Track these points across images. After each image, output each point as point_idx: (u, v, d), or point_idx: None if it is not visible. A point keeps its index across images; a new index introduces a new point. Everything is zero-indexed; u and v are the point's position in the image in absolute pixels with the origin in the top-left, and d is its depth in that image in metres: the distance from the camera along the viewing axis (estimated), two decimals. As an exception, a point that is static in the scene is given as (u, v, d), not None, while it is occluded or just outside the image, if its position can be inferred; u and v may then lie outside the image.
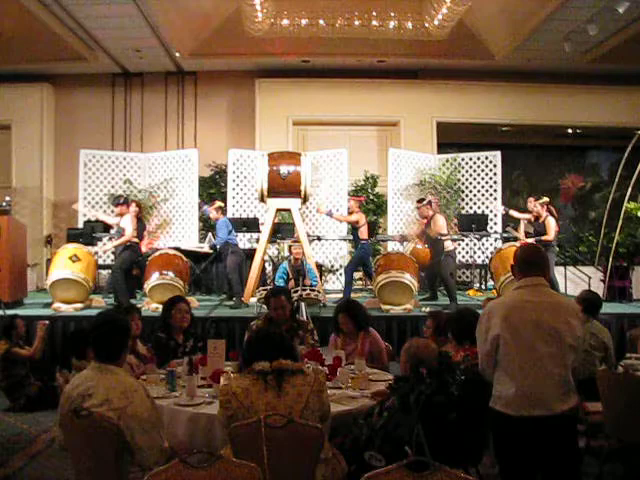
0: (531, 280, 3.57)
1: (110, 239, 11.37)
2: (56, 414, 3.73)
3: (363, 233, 10.61)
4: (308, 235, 11.61)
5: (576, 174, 16.97)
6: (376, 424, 3.81)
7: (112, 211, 12.62)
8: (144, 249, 11.20)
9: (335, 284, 12.88)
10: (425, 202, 10.71)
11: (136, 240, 10.33)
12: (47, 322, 7.62)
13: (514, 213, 11.54)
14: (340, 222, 12.44)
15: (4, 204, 11.28)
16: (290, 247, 10.41)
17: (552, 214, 10.66)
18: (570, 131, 16.75)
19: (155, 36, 12.96)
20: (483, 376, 3.64)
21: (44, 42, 12.95)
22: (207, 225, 13.27)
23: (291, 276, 9.87)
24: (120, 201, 10.72)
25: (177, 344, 5.74)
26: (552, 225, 10.43)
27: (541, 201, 10.67)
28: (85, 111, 15.21)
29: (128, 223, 10.17)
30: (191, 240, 13.32)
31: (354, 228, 10.83)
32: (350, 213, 11.00)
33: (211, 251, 12.04)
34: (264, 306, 6.84)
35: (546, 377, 3.40)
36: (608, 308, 8.72)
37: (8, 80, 14.27)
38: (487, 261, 11.32)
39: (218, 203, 10.97)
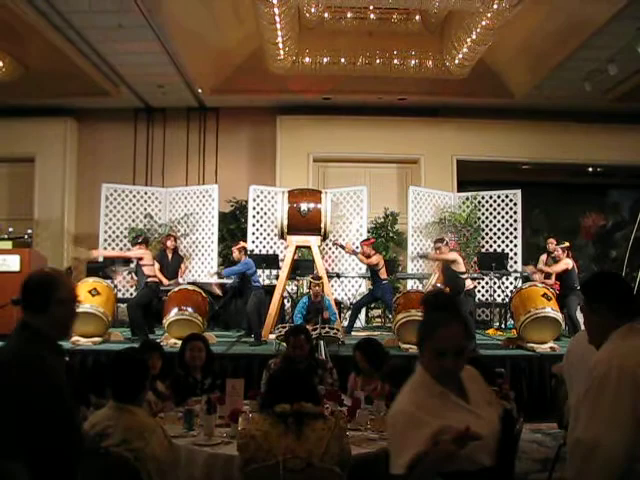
0: None
1: (130, 273, 11.53)
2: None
3: (383, 273, 10.62)
4: (327, 272, 11.58)
5: (597, 212, 16.89)
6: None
7: (128, 249, 12.65)
8: (180, 280, 11.41)
9: (355, 322, 12.77)
10: (444, 243, 10.69)
11: (155, 280, 10.42)
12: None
13: (543, 267, 11.45)
14: (361, 261, 12.13)
15: (25, 236, 11.41)
16: (310, 283, 10.38)
17: (570, 257, 11.05)
18: (590, 170, 16.70)
19: (178, 72, 13.10)
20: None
21: (69, 77, 13.10)
22: (227, 262, 13.25)
23: (311, 313, 9.83)
24: (138, 240, 10.86)
25: (195, 381, 5.70)
26: (563, 265, 10.89)
27: (562, 245, 11.05)
28: (108, 145, 15.33)
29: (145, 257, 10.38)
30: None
31: (373, 270, 10.83)
32: (368, 257, 10.99)
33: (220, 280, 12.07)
34: (283, 343, 6.81)
35: None
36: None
37: (33, 114, 14.46)
38: (507, 300, 11.25)
39: (242, 244, 10.99)
